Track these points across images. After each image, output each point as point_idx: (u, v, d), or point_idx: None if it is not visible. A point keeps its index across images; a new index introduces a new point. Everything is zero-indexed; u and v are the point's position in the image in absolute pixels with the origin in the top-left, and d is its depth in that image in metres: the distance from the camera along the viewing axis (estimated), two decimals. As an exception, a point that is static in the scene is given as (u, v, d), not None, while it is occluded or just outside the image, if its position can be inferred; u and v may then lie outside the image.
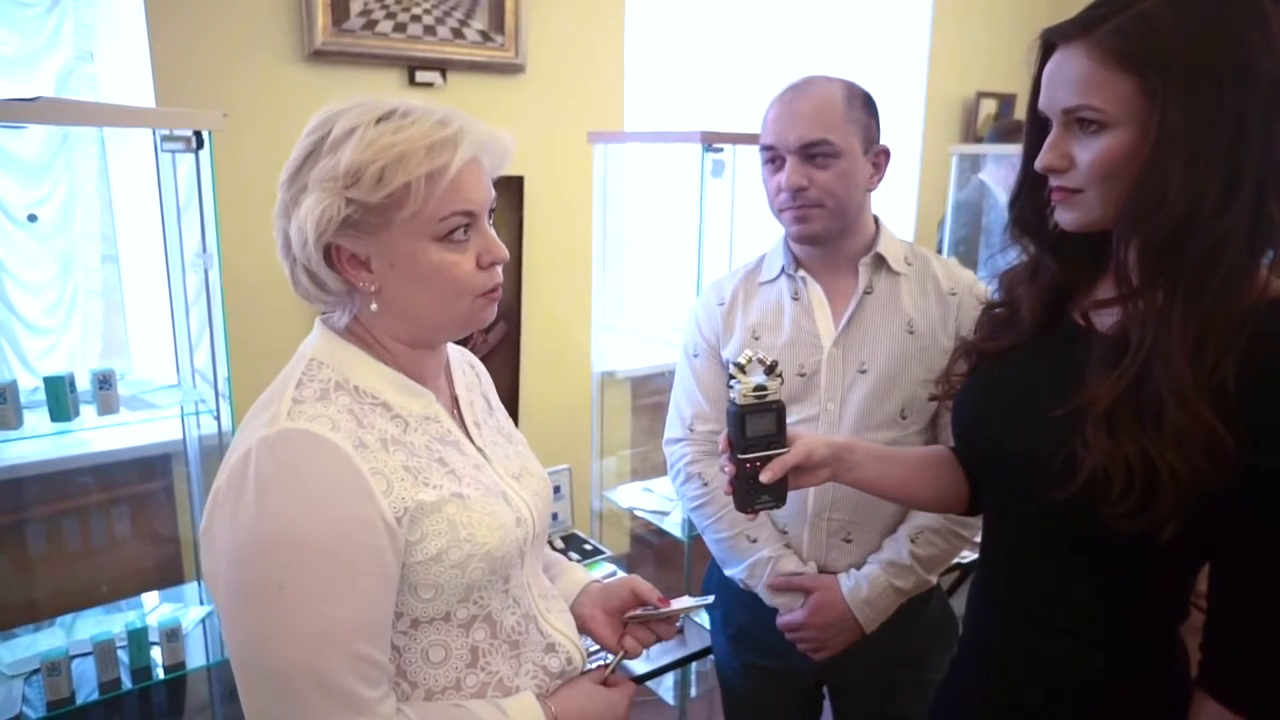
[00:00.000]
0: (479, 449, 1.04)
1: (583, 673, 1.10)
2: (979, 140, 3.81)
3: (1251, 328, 0.86)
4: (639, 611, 1.16)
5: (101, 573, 2.09)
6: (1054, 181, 0.97)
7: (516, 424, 1.19)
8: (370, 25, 2.25)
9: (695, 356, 1.59)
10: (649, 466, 2.94)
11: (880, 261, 1.48)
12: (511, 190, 2.54)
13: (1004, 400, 1.07)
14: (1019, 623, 1.07)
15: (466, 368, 1.14)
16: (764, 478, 1.14)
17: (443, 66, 2.39)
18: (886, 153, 1.47)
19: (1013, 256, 1.13)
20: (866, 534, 1.49)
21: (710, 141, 2.13)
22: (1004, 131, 3.28)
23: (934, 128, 3.83)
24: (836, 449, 1.19)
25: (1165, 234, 0.88)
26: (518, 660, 1.02)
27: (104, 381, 1.69)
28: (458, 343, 1.16)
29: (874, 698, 1.58)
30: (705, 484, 1.56)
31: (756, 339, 1.50)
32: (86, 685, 1.70)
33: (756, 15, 3.27)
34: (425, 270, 0.92)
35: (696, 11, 3.11)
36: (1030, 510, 1.03)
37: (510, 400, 2.67)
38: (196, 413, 1.87)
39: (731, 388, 1.14)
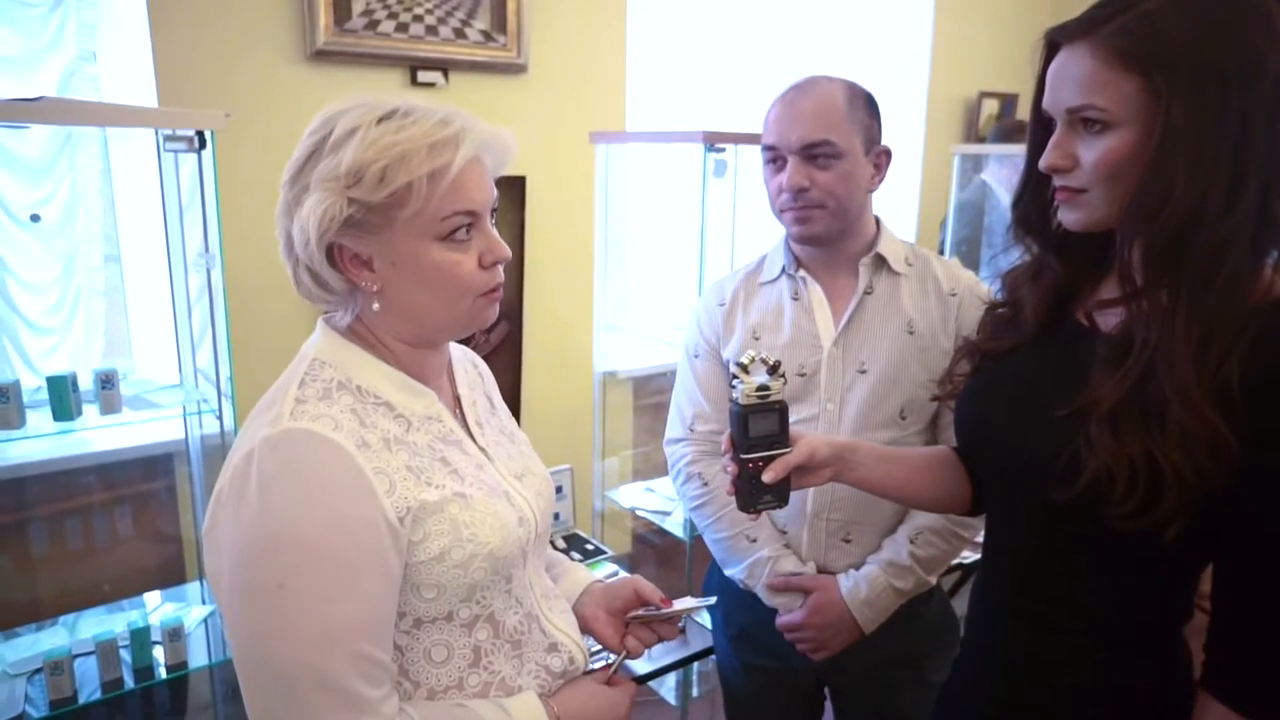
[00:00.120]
0: (481, 449, 1.04)
1: (585, 673, 1.10)
2: (981, 140, 3.81)
3: (1256, 328, 0.86)
4: (641, 612, 1.16)
5: (104, 572, 2.10)
6: (1058, 181, 0.96)
7: (518, 424, 1.19)
8: (372, 25, 2.25)
9: (696, 357, 1.59)
10: (651, 466, 2.94)
11: (881, 262, 1.48)
12: (513, 190, 2.54)
13: (1007, 400, 1.07)
14: (1021, 623, 1.07)
15: (469, 367, 1.15)
16: (767, 478, 1.14)
17: (445, 66, 2.39)
18: (888, 153, 1.47)
19: (1015, 256, 1.13)
20: (866, 534, 1.49)
21: (712, 141, 2.13)
22: (1006, 131, 3.28)
23: (936, 128, 3.83)
24: (839, 449, 1.19)
25: (1170, 234, 0.88)
26: (520, 660, 1.02)
27: (106, 381, 1.69)
28: (460, 342, 1.16)
29: (875, 698, 1.58)
30: (705, 484, 1.56)
31: (757, 339, 1.50)
32: (89, 684, 1.70)
33: (758, 15, 3.27)
34: (427, 270, 0.92)
35: (698, 11, 3.11)
36: (1033, 510, 1.03)
37: (512, 400, 2.68)
38: (199, 412, 1.87)
39: (734, 387, 1.14)
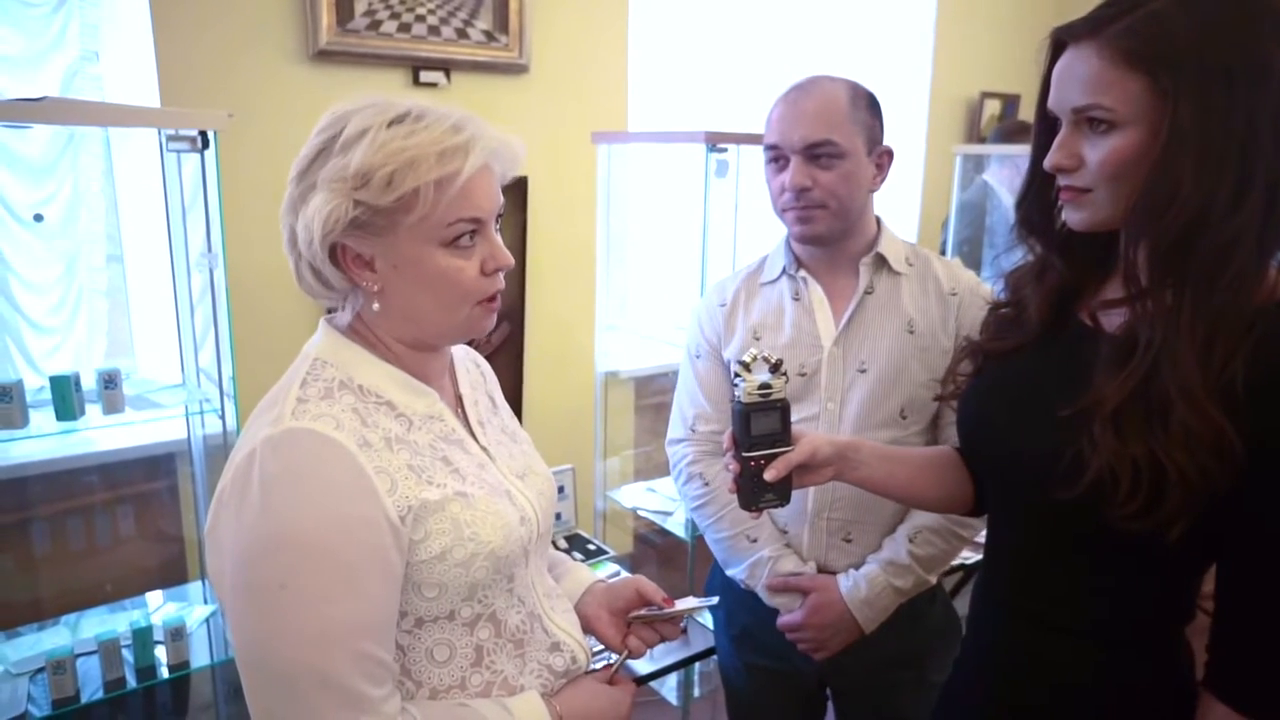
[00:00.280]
0: (483, 448, 1.04)
1: (587, 672, 1.10)
2: (983, 141, 3.81)
3: (1261, 328, 0.86)
4: (643, 612, 1.16)
5: (106, 572, 2.10)
6: (1063, 181, 0.96)
7: (520, 424, 1.19)
8: (375, 25, 2.25)
9: (697, 357, 1.59)
10: (652, 466, 2.94)
11: (881, 261, 1.48)
12: (515, 191, 2.54)
13: (1010, 400, 1.07)
14: (1023, 623, 1.07)
15: (471, 366, 1.15)
16: (768, 476, 1.14)
17: (447, 67, 2.39)
18: (890, 153, 1.47)
19: (1018, 257, 1.13)
20: (866, 534, 1.49)
21: (714, 142, 2.12)
22: (1008, 132, 3.28)
23: (937, 128, 3.83)
24: (841, 448, 1.19)
25: (1175, 234, 0.87)
26: (522, 659, 1.02)
27: (109, 381, 1.69)
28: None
29: (876, 699, 1.57)
30: (707, 484, 1.56)
31: (758, 339, 1.50)
32: (91, 684, 1.71)
33: (760, 15, 3.27)
34: (429, 274, 0.92)
35: (700, 11, 3.11)
36: (1035, 511, 1.03)
37: (514, 400, 2.68)
38: (201, 412, 1.88)
39: (736, 386, 1.14)
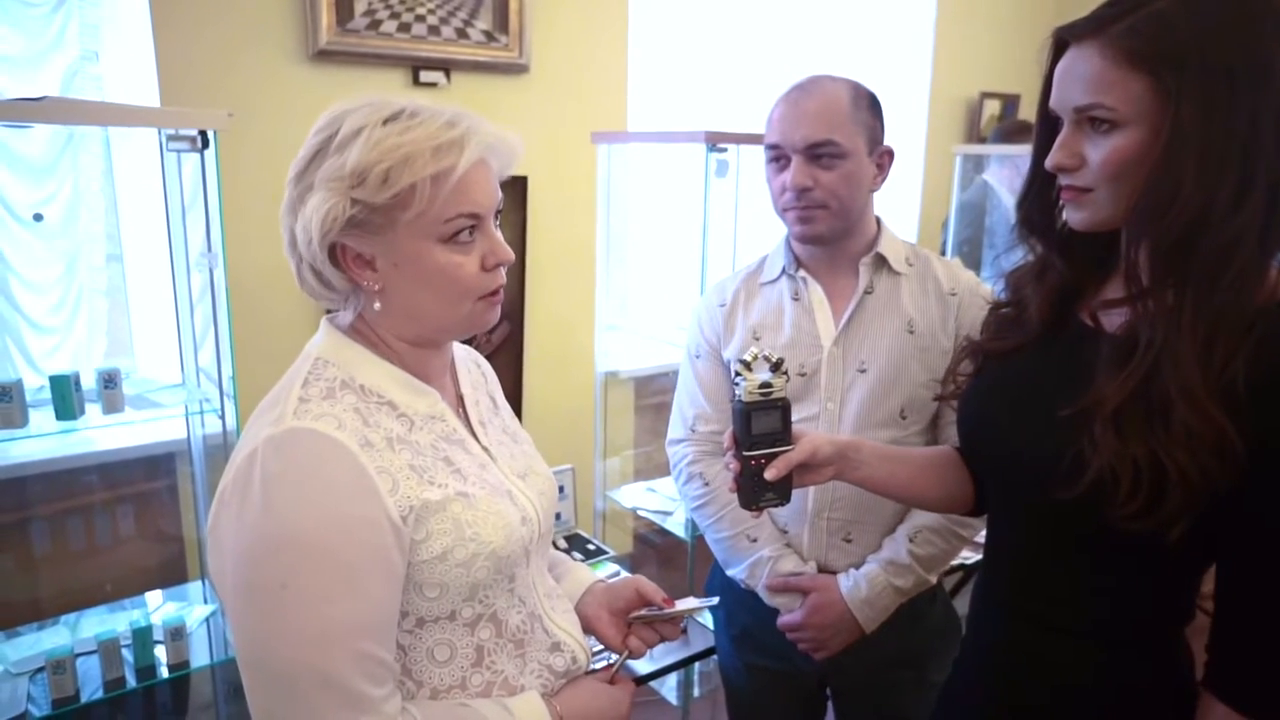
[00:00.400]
0: (484, 448, 1.04)
1: (587, 672, 1.10)
2: (982, 140, 3.81)
3: (1262, 329, 0.86)
4: (644, 612, 1.16)
5: (106, 571, 2.10)
6: (1064, 180, 0.96)
7: (520, 424, 1.19)
8: (374, 25, 2.25)
9: (697, 358, 1.59)
10: (652, 466, 2.94)
11: (881, 261, 1.48)
12: (515, 190, 2.54)
13: (1010, 400, 1.07)
14: (1022, 623, 1.07)
15: (472, 366, 1.15)
16: (769, 475, 1.14)
17: (447, 66, 2.39)
18: (890, 154, 1.47)
19: (1018, 256, 1.13)
20: (867, 534, 1.49)
21: (714, 141, 2.12)
22: (1007, 132, 3.28)
23: (937, 128, 3.83)
24: (842, 447, 1.19)
25: (1177, 234, 0.87)
26: (523, 659, 1.02)
27: (109, 380, 1.69)
28: (462, 342, 1.16)
29: (876, 699, 1.57)
30: (707, 484, 1.56)
31: (757, 339, 1.50)
32: (91, 684, 1.70)
33: (760, 15, 3.28)
34: (429, 271, 0.92)
35: (700, 11, 3.11)
36: (1036, 511, 1.03)
37: (514, 400, 2.68)
38: (201, 412, 1.88)
39: (737, 385, 1.14)
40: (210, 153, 1.66)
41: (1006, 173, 3.11)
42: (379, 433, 0.91)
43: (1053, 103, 0.96)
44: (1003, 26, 3.89)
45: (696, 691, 2.54)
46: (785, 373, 1.15)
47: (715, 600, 1.24)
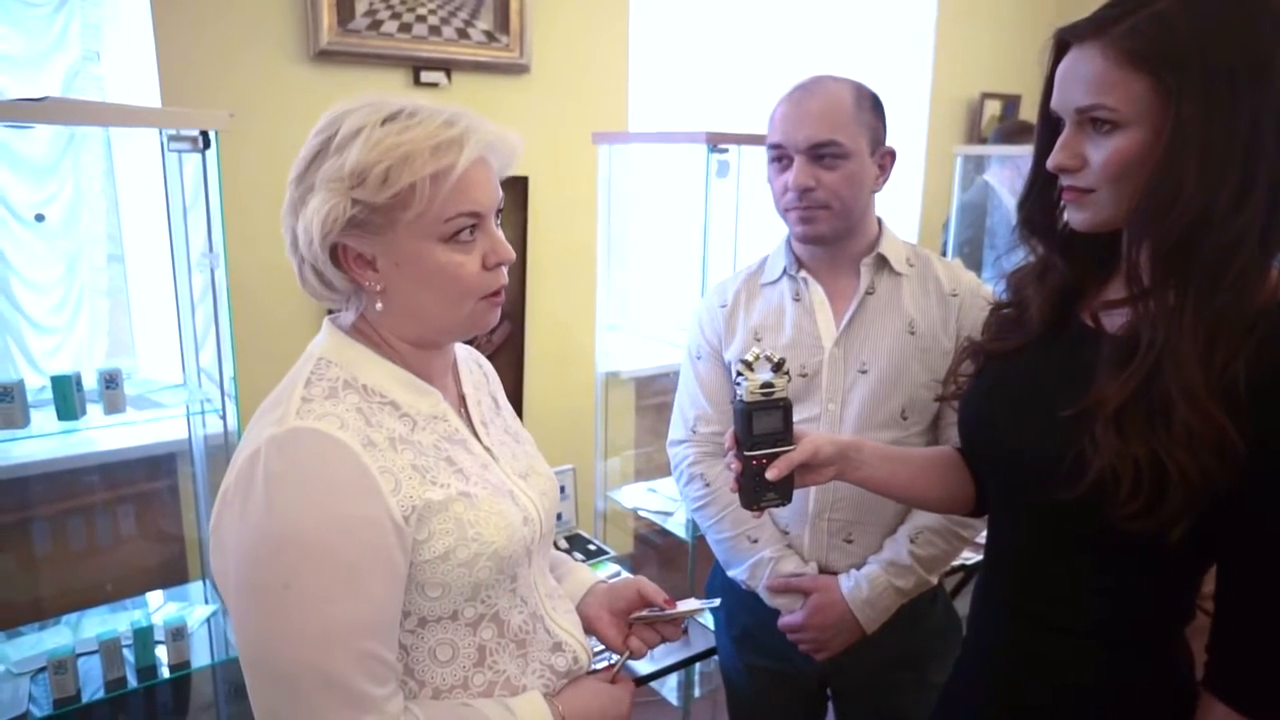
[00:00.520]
0: (486, 448, 1.04)
1: (588, 673, 1.10)
2: (983, 141, 3.81)
3: (1263, 329, 0.86)
4: (645, 612, 1.16)
5: (107, 571, 2.10)
6: (1065, 181, 0.96)
7: (521, 424, 1.19)
8: (375, 25, 2.25)
9: (698, 359, 1.59)
10: (653, 467, 2.94)
11: (882, 262, 1.48)
12: (516, 190, 2.54)
13: (1012, 400, 1.07)
14: (1023, 623, 1.07)
15: (474, 366, 1.15)
16: (770, 475, 1.14)
17: (447, 67, 2.40)
18: (892, 154, 1.47)
19: (1019, 257, 1.13)
20: (868, 535, 1.49)
21: (715, 142, 2.12)
22: (1008, 132, 3.28)
23: (938, 128, 3.83)
24: (843, 447, 1.19)
25: (1178, 234, 0.87)
26: (525, 659, 1.02)
27: (110, 381, 1.69)
28: (463, 342, 1.16)
29: (877, 699, 1.57)
30: (708, 485, 1.56)
31: (758, 340, 1.50)
32: (92, 684, 1.71)
33: (761, 15, 3.27)
34: (430, 270, 0.92)
35: (701, 12, 3.11)
36: (1037, 511, 1.03)
37: (514, 400, 2.68)
38: (202, 412, 1.88)
39: (738, 385, 1.14)
40: (211, 153, 1.67)
41: (1007, 173, 3.11)
42: (381, 433, 0.91)
43: (1054, 103, 0.96)
44: (1003, 27, 3.89)
45: (697, 692, 2.54)
46: (787, 373, 1.15)
47: (717, 602, 1.24)
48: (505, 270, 0.97)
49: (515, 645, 1.01)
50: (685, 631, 2.05)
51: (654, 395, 2.99)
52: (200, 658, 1.83)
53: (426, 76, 2.37)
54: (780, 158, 1.44)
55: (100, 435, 1.93)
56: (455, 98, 2.40)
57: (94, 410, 1.71)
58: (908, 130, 3.76)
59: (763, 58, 3.30)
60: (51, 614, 1.98)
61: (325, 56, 2.20)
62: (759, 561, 1.50)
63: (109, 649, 1.71)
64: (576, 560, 1.29)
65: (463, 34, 2.38)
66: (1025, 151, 1.06)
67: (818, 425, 1.46)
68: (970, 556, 2.02)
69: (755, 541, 1.51)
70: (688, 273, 2.30)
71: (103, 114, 1.81)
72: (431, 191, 0.88)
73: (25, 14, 2.03)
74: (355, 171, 0.87)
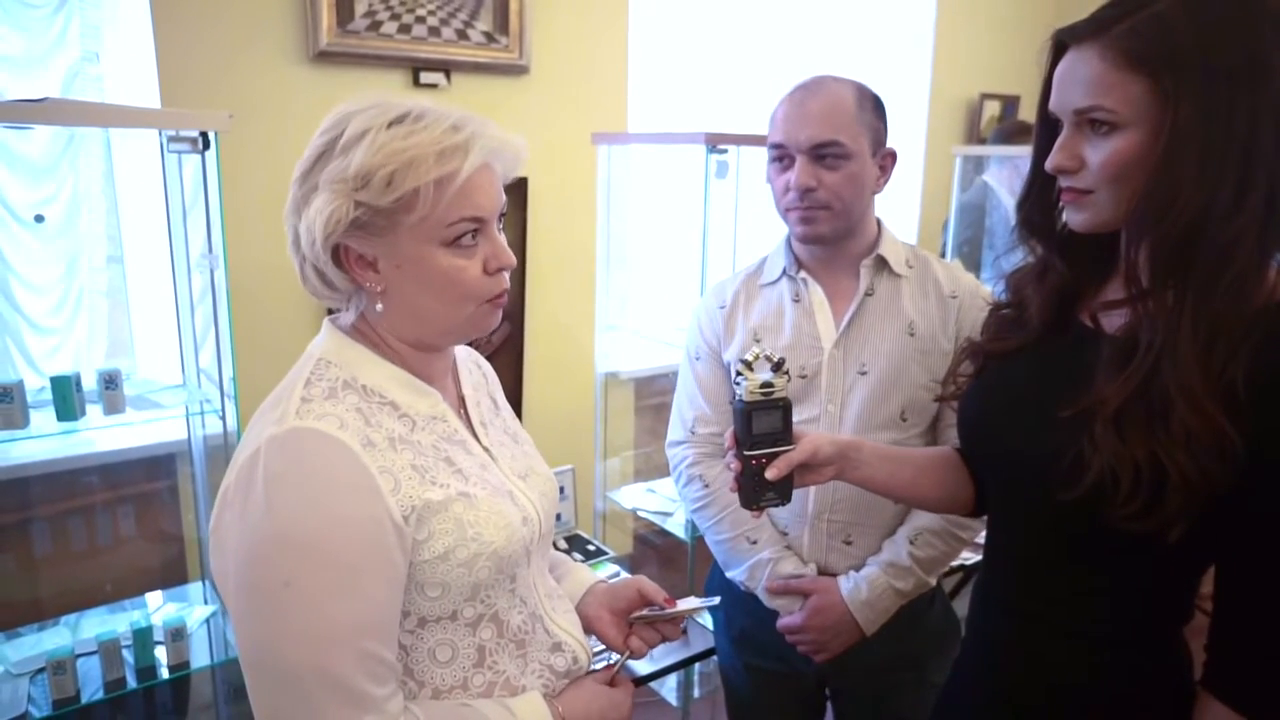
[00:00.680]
0: (485, 449, 1.04)
1: (588, 673, 1.10)
2: (982, 142, 3.81)
3: (1262, 330, 0.86)
4: (645, 612, 1.16)
5: (106, 572, 2.10)
6: (1064, 182, 0.97)
7: (520, 425, 1.20)
8: (375, 26, 2.25)
9: (697, 359, 1.59)
10: (652, 467, 2.94)
11: (882, 263, 1.48)
12: (516, 191, 2.54)
13: (1011, 401, 1.07)
14: (1022, 623, 1.07)
15: (473, 367, 1.15)
16: (770, 474, 1.14)
17: (447, 68, 2.40)
18: (893, 155, 1.47)
19: (1018, 258, 1.13)
20: (867, 536, 1.49)
21: (714, 143, 2.13)
22: (1007, 133, 3.28)
23: (937, 129, 3.83)
24: (843, 447, 1.19)
25: (1177, 235, 0.88)
26: (524, 660, 1.02)
27: (110, 381, 1.69)
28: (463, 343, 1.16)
29: (876, 700, 1.57)
30: (706, 486, 1.56)
31: (758, 341, 1.50)
32: (91, 684, 1.71)
33: (760, 16, 3.28)
34: (432, 274, 0.92)
35: (700, 12, 3.11)
36: (1036, 511, 1.03)
37: (514, 401, 2.68)
38: (201, 412, 1.88)
39: (738, 384, 1.14)
40: (211, 154, 1.67)
41: (1006, 174, 3.11)
42: (381, 433, 0.91)
43: (1052, 105, 0.96)
44: (1003, 27, 3.89)
45: (696, 692, 2.55)
46: (786, 373, 1.15)
47: (716, 600, 1.24)
48: (507, 275, 0.97)
49: (515, 645, 1.01)
50: (684, 632, 2.05)
51: (653, 396, 2.99)
52: (199, 658, 1.83)
53: (426, 77, 2.37)
54: (782, 157, 1.43)
55: (99, 436, 1.93)
56: (454, 99, 2.40)
57: (93, 411, 1.71)
58: (907, 130, 3.76)
59: (762, 58, 3.30)
60: (51, 614, 1.98)
61: (324, 57, 2.20)
62: (758, 563, 1.50)
63: (108, 650, 1.71)
64: (576, 561, 1.29)
65: (462, 35, 2.38)
66: (1024, 152, 1.07)
67: (817, 426, 1.46)
68: (969, 557, 2.02)
69: (754, 543, 1.51)
70: (687, 273, 2.30)
71: (102, 115, 1.81)
72: (435, 196, 0.88)
73: (25, 14, 2.02)
74: (360, 174, 0.87)
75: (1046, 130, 0.99)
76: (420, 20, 2.31)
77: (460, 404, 1.07)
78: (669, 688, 2.53)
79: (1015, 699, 1.08)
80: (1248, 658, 0.91)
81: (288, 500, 0.84)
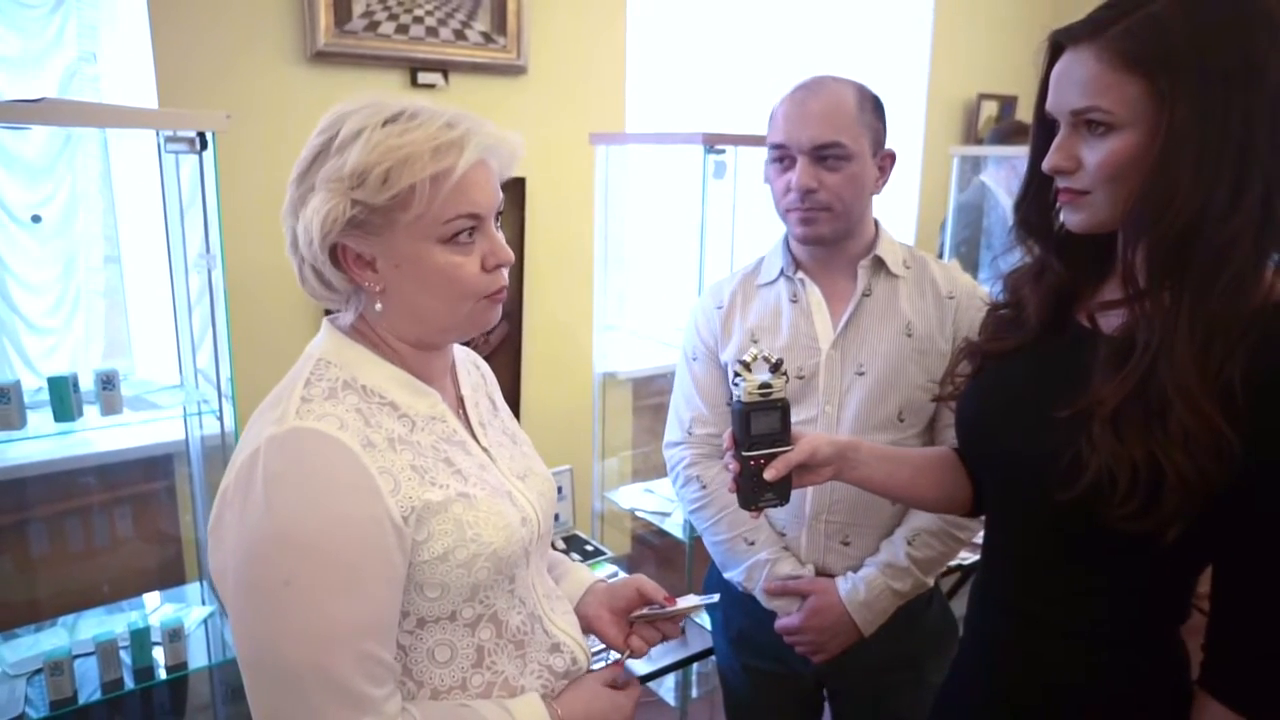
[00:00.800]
0: (484, 449, 1.04)
1: (589, 672, 1.10)
2: (980, 142, 3.82)
3: (1259, 330, 0.86)
4: (645, 610, 1.16)
5: (104, 573, 2.10)
6: (1061, 183, 0.97)
7: (518, 425, 1.20)
8: (372, 26, 2.25)
9: (694, 360, 1.59)
10: (650, 467, 2.94)
11: (879, 264, 1.48)
12: (513, 191, 2.54)
13: (1009, 401, 1.07)
14: (1020, 623, 1.07)
15: (471, 368, 1.15)
16: (768, 475, 1.14)
17: (445, 68, 2.39)
18: (892, 156, 1.47)
19: (1016, 258, 1.13)
20: (864, 537, 1.49)
21: (712, 143, 2.13)
22: (1005, 133, 3.28)
23: (935, 129, 3.83)
24: (841, 447, 1.19)
25: (1173, 236, 0.88)
26: (523, 660, 1.02)
27: (107, 382, 1.69)
28: (460, 343, 1.16)
29: (874, 700, 1.57)
30: (704, 487, 1.56)
31: (755, 342, 1.50)
32: (89, 685, 1.70)
33: (758, 16, 3.28)
34: (429, 272, 0.92)
35: (698, 12, 3.11)
36: (1034, 511, 1.03)
37: (512, 401, 2.68)
38: (199, 413, 1.88)
39: (736, 385, 1.14)
40: (209, 154, 1.67)
41: (1004, 174, 3.12)
42: (380, 433, 0.91)
43: (1049, 105, 0.97)
44: (1001, 28, 3.90)
45: (695, 692, 2.55)
46: (785, 373, 1.15)
47: (716, 597, 1.25)
48: (505, 271, 0.97)
49: (514, 646, 1.01)
50: (683, 631, 2.06)
51: (651, 396, 2.99)
52: (197, 659, 1.83)
53: (424, 78, 2.37)
54: (783, 158, 1.43)
55: (97, 436, 1.93)
56: (452, 99, 2.40)
57: (91, 411, 1.71)
58: (904, 131, 3.77)
59: (759, 58, 3.30)
60: (48, 615, 1.97)
61: (322, 58, 2.20)
62: (756, 564, 1.50)
63: (106, 650, 1.71)
64: (574, 561, 1.29)
65: (460, 35, 2.38)
66: (1022, 152, 1.07)
67: (815, 427, 1.46)
68: (967, 556, 2.02)
69: (752, 544, 1.51)
70: (685, 273, 2.31)
71: (99, 115, 1.81)
72: (431, 193, 0.88)
73: (22, 15, 2.02)
74: (355, 172, 0.87)
75: (1043, 131, 0.99)
76: (418, 20, 2.31)
77: (459, 404, 1.07)
78: (667, 688, 2.53)
79: (1013, 699, 1.08)
80: (1245, 657, 0.91)
81: (287, 500, 0.84)
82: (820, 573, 1.50)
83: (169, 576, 2.17)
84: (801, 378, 1.46)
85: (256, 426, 0.90)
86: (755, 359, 1.14)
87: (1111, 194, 0.93)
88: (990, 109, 3.93)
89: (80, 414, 1.68)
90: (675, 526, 2.43)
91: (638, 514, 2.62)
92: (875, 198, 1.49)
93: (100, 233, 2.23)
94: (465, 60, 2.41)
